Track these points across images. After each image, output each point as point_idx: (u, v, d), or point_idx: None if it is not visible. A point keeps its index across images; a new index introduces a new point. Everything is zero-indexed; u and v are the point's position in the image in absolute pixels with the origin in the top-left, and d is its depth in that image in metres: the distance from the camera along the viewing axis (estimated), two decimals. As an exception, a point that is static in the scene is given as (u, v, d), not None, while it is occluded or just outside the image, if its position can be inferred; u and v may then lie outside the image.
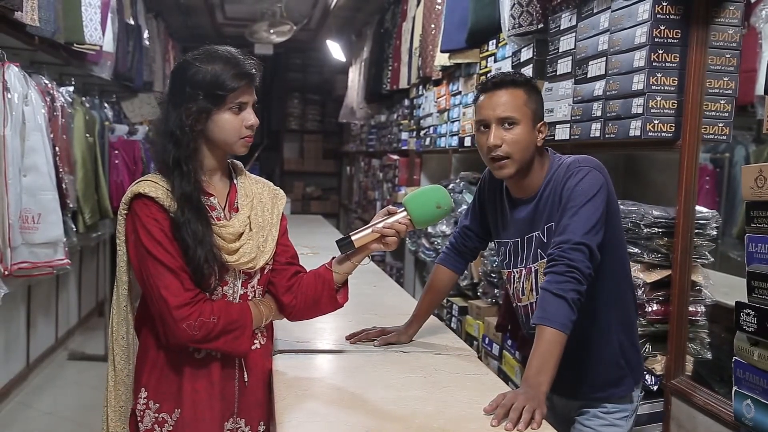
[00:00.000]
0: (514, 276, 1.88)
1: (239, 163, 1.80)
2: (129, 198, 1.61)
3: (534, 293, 1.81)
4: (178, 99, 1.62)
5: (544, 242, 1.76)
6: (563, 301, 1.58)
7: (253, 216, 1.71)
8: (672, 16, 2.06)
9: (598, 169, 1.73)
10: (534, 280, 1.81)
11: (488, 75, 2.95)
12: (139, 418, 1.67)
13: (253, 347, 1.71)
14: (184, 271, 1.58)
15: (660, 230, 2.15)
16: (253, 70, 1.65)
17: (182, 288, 1.57)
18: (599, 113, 2.31)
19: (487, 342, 3.19)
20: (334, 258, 1.80)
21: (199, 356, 1.66)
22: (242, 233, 1.67)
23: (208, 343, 1.60)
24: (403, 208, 1.75)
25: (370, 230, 1.74)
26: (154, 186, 1.61)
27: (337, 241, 1.76)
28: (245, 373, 1.70)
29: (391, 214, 1.76)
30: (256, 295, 1.74)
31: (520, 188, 1.84)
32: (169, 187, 1.60)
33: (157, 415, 1.66)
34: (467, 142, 3.69)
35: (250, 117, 1.64)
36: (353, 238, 1.74)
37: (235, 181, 1.75)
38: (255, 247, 1.67)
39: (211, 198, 1.68)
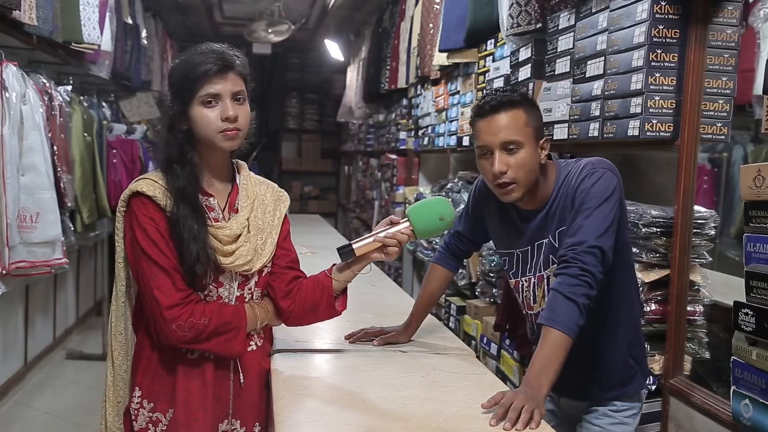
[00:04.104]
0: (523, 285, 1.85)
1: (243, 163, 1.78)
2: (127, 196, 1.61)
3: (546, 300, 1.79)
4: (167, 101, 1.65)
5: (555, 247, 1.73)
6: (574, 305, 1.56)
7: (253, 218, 1.69)
8: (670, 16, 2.06)
9: (612, 170, 1.71)
10: (546, 287, 1.78)
11: (483, 97, 2.92)
12: (133, 417, 1.66)
13: (248, 349, 1.71)
14: (177, 271, 1.58)
15: (658, 230, 2.15)
16: (225, 60, 1.58)
17: (174, 288, 1.57)
18: (597, 113, 2.31)
19: (485, 341, 3.19)
20: (334, 265, 1.78)
21: (193, 357, 1.65)
22: (239, 235, 1.65)
23: (199, 344, 1.60)
24: (405, 219, 1.74)
25: (371, 239, 1.73)
26: (152, 185, 1.60)
27: (338, 249, 1.74)
28: (241, 374, 1.69)
29: (393, 223, 1.74)
30: (254, 298, 1.73)
31: (527, 201, 1.79)
32: (166, 185, 1.60)
33: (151, 414, 1.65)
34: (465, 141, 3.69)
35: (226, 109, 1.58)
36: (354, 246, 1.73)
37: (237, 181, 1.73)
38: (252, 250, 1.66)
39: (211, 198, 1.67)
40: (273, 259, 1.73)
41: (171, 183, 1.60)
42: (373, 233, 1.75)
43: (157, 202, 1.59)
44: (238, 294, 1.69)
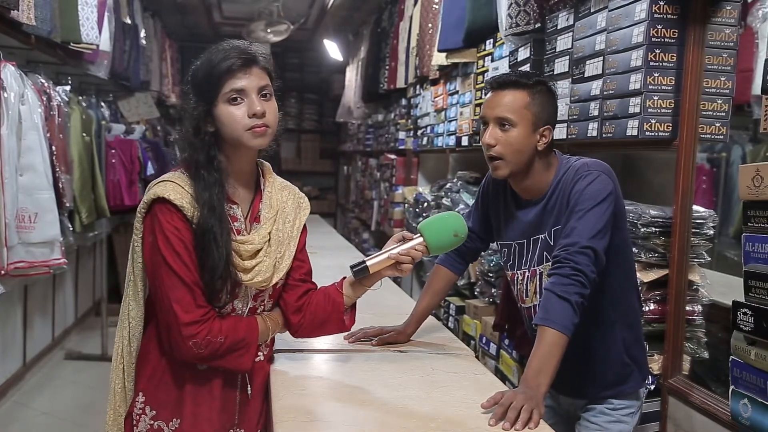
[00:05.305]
0: (518, 278, 1.88)
1: (268, 165, 1.73)
2: (151, 199, 1.54)
3: (538, 295, 1.81)
4: (186, 103, 1.58)
5: (551, 245, 1.76)
6: (567, 304, 1.58)
7: (274, 231, 1.64)
8: (669, 16, 2.06)
9: (606, 173, 1.73)
10: (538, 282, 1.81)
11: (489, 73, 2.93)
12: (134, 422, 1.64)
13: (256, 359, 1.68)
14: (198, 286, 1.53)
15: (657, 230, 2.16)
16: (249, 54, 1.54)
17: (194, 304, 1.52)
18: (596, 113, 2.31)
19: (484, 341, 3.19)
20: (344, 278, 1.75)
21: (202, 368, 1.62)
22: (260, 250, 1.61)
23: (213, 360, 1.57)
24: (418, 235, 1.72)
25: (385, 256, 1.71)
26: (180, 192, 1.53)
27: (351, 266, 1.72)
28: (249, 385, 1.67)
29: (405, 239, 1.72)
30: (265, 309, 1.70)
31: (525, 190, 1.83)
32: (193, 193, 1.54)
33: (152, 422, 1.62)
34: (464, 141, 3.69)
35: (253, 104, 1.52)
36: (368, 263, 1.71)
37: (261, 187, 1.68)
38: (271, 266, 1.62)
39: (234, 207, 1.62)
40: (288, 271, 1.69)
41: (199, 192, 1.54)
42: (386, 250, 1.72)
43: (184, 212, 1.53)
44: (251, 306, 1.67)
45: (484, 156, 1.82)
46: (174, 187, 1.54)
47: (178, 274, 1.52)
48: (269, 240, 1.63)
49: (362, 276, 1.71)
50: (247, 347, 1.60)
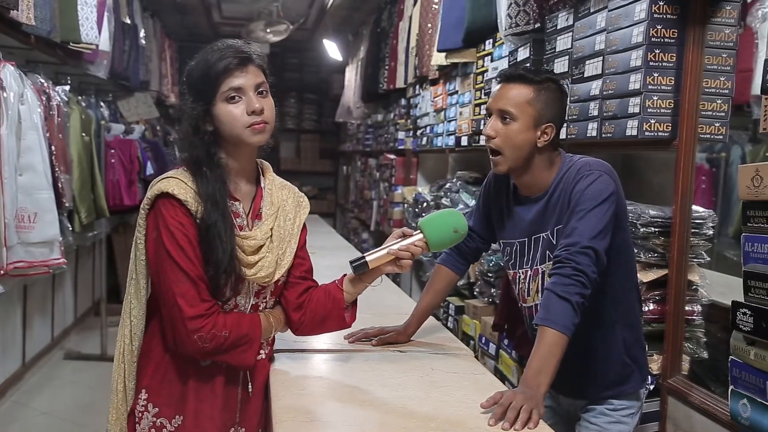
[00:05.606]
0: (520, 277, 1.88)
1: (267, 164, 1.74)
2: (155, 195, 1.55)
3: (540, 294, 1.80)
4: (184, 103, 1.59)
5: (553, 243, 1.76)
6: (567, 304, 1.58)
7: (276, 227, 1.66)
8: (669, 16, 2.06)
9: (608, 173, 1.73)
10: (540, 282, 1.81)
11: (489, 73, 2.93)
12: (137, 420, 1.64)
13: (258, 357, 1.68)
14: (202, 280, 1.54)
15: (656, 230, 2.16)
16: (244, 53, 1.56)
17: (199, 298, 1.53)
18: (596, 113, 2.32)
19: (483, 341, 3.19)
20: (345, 275, 1.76)
21: (205, 364, 1.63)
22: (262, 246, 1.62)
23: (217, 355, 1.58)
24: (418, 231, 1.73)
25: (385, 251, 1.71)
26: (183, 187, 1.55)
27: (350, 262, 1.72)
28: (250, 384, 1.68)
29: (406, 235, 1.73)
30: (267, 306, 1.71)
31: (526, 186, 1.84)
32: (196, 189, 1.55)
33: (154, 419, 1.63)
34: (464, 141, 3.69)
35: (251, 102, 1.55)
36: (368, 259, 1.71)
37: (262, 184, 1.69)
38: (273, 262, 1.63)
39: (236, 203, 1.63)
40: (289, 269, 1.70)
41: (202, 187, 1.55)
42: (386, 245, 1.73)
43: (188, 207, 1.54)
44: (254, 302, 1.68)
45: (487, 150, 1.83)
46: (177, 183, 1.55)
47: (183, 268, 1.53)
48: (271, 236, 1.64)
49: (362, 271, 1.72)
50: (250, 343, 1.61)
